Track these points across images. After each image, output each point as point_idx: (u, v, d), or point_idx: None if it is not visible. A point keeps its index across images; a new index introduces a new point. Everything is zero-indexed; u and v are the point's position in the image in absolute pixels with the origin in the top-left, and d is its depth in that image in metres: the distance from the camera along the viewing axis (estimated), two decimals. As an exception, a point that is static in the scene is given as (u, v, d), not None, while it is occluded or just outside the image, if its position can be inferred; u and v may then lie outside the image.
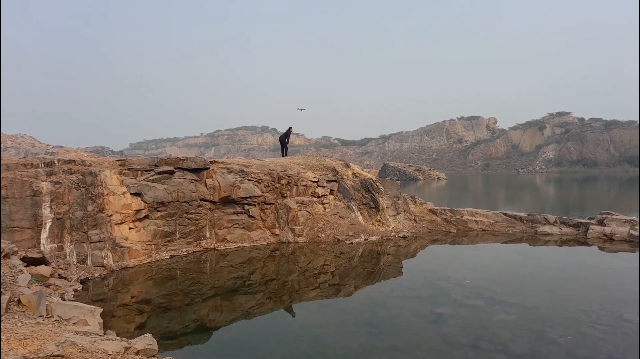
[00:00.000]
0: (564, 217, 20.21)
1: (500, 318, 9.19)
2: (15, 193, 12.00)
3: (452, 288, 11.37)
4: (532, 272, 13.63)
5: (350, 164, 22.90)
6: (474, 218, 21.10)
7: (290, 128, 24.18)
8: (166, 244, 15.10)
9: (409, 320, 9.17)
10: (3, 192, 11.79)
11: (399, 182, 22.35)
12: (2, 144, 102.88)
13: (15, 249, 9.32)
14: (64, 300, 9.11)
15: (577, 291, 11.20)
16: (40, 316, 6.79)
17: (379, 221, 19.82)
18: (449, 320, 9.10)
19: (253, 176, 17.85)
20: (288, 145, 24.53)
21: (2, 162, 12.70)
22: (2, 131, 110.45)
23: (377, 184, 20.84)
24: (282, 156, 24.07)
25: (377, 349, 7.72)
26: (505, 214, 21.21)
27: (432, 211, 21.77)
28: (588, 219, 19.91)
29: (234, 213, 17.14)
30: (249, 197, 17.31)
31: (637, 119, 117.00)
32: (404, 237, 18.79)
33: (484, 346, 7.83)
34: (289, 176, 18.80)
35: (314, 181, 19.41)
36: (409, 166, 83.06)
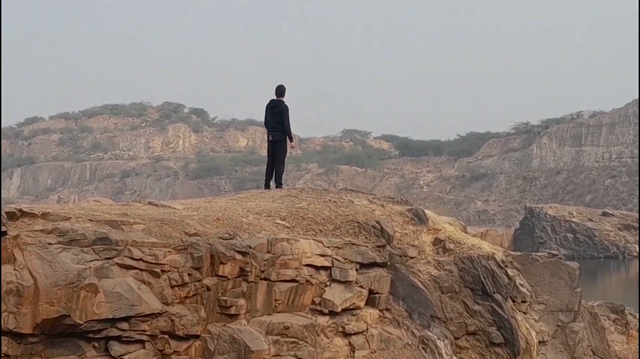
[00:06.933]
0: None
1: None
2: None
3: None
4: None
5: (428, 212, 9.47)
6: None
7: (280, 87, 10.90)
8: None
9: None
10: None
11: (575, 267, 8.59)
12: None
13: None
14: None
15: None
16: None
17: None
18: None
19: (135, 253, 6.34)
20: (291, 150, 12.28)
21: None
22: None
23: (511, 271, 7.68)
24: (265, 187, 11.39)
25: None
26: None
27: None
28: None
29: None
30: (122, 319, 5.80)
31: None
32: None
33: None
34: (244, 253, 6.92)
35: (321, 267, 7.24)
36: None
